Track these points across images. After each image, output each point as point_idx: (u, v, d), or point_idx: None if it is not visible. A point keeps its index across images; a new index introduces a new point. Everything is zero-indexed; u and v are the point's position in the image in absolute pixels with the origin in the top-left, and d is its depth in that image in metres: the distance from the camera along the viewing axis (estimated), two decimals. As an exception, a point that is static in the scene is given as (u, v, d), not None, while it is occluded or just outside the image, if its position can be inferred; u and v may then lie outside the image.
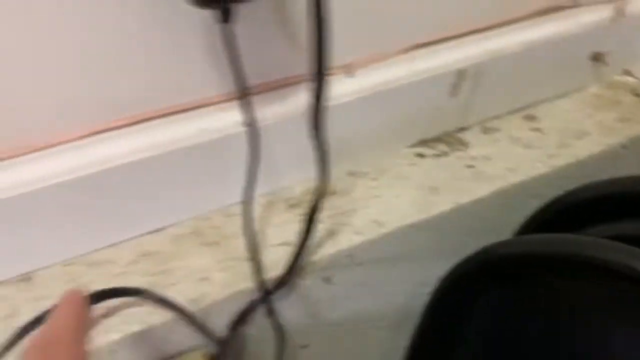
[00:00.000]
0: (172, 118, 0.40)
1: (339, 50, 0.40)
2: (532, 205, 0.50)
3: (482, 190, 0.48)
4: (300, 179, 0.47)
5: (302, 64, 0.39)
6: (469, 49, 0.49)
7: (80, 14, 0.33)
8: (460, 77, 0.48)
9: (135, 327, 0.38)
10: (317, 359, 0.51)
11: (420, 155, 0.51)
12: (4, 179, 0.36)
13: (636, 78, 0.60)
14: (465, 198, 0.47)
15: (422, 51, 0.48)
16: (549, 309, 0.42)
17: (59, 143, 0.38)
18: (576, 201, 0.49)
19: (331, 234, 0.44)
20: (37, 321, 0.35)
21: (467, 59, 0.48)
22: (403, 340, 0.53)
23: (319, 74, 0.35)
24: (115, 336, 0.37)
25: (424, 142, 0.52)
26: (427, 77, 0.47)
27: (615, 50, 0.57)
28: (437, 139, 0.52)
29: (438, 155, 0.51)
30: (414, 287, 0.51)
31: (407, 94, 0.46)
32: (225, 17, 0.33)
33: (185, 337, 0.40)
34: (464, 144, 0.52)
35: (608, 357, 0.38)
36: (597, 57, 0.56)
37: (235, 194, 0.42)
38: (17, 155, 0.37)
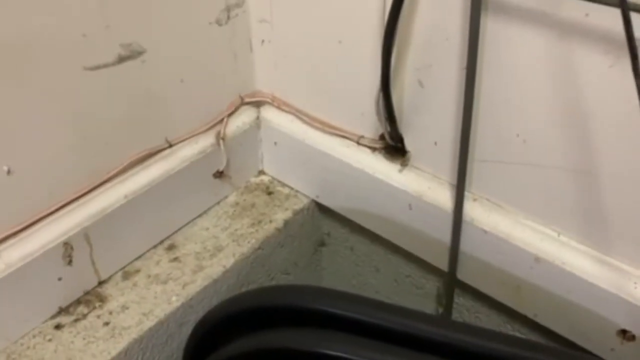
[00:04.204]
0: None
1: None
2: (184, 334, 0.54)
3: (119, 345, 0.51)
4: None
5: None
6: (69, 220, 0.51)
7: None
8: (68, 248, 0.51)
9: None
10: None
11: (58, 327, 0.52)
12: None
13: (269, 175, 0.68)
14: (104, 358, 0.49)
15: (22, 235, 0.49)
16: None
17: None
18: (209, 324, 0.53)
19: None
20: None
21: (70, 229, 0.51)
22: None
23: None
24: None
25: (63, 310, 0.53)
26: (33, 259, 0.49)
27: (233, 162, 0.63)
28: (77, 302, 0.54)
29: (76, 320, 0.52)
30: None
31: (13, 281, 0.48)
32: None
33: None
34: (102, 299, 0.54)
35: None
36: (217, 174, 0.62)
37: None
38: None
